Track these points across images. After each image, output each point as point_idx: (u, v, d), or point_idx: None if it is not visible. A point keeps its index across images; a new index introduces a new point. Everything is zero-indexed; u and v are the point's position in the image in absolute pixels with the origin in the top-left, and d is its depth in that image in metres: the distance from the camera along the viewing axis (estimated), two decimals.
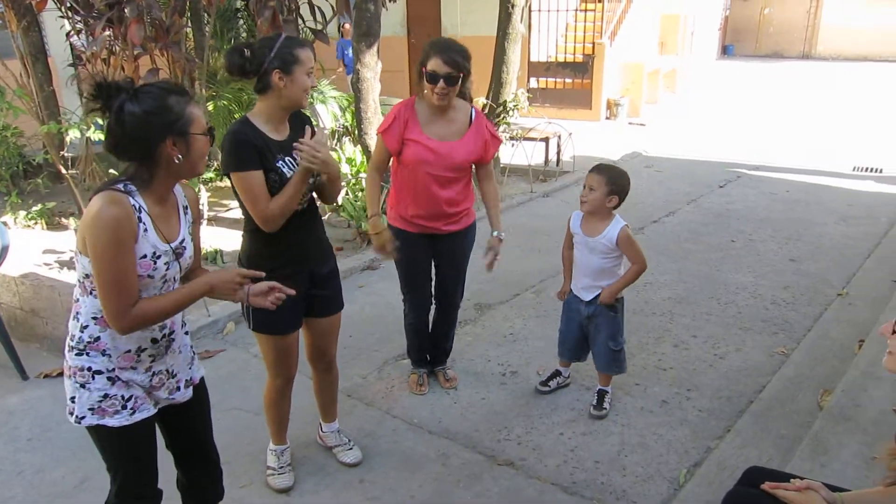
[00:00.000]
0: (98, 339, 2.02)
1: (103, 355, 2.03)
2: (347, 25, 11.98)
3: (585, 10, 13.04)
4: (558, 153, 9.11)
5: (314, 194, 2.81)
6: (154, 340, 2.09)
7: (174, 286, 2.10)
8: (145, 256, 1.96)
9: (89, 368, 2.03)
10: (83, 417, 2.05)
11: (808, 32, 25.91)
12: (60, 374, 3.77)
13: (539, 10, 12.64)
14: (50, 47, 7.80)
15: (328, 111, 8.04)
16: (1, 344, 4.04)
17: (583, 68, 12.68)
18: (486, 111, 7.85)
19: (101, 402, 2.04)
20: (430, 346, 3.86)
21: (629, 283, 3.35)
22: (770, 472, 2.28)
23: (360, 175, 6.43)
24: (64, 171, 6.30)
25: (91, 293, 1.99)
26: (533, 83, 12.91)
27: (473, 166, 3.46)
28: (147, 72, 5.89)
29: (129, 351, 2.05)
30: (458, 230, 3.50)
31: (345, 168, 6.54)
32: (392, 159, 3.39)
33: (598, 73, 12.56)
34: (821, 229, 6.45)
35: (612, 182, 3.22)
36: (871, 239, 6.15)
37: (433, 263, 3.62)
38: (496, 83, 7.94)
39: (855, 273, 5.36)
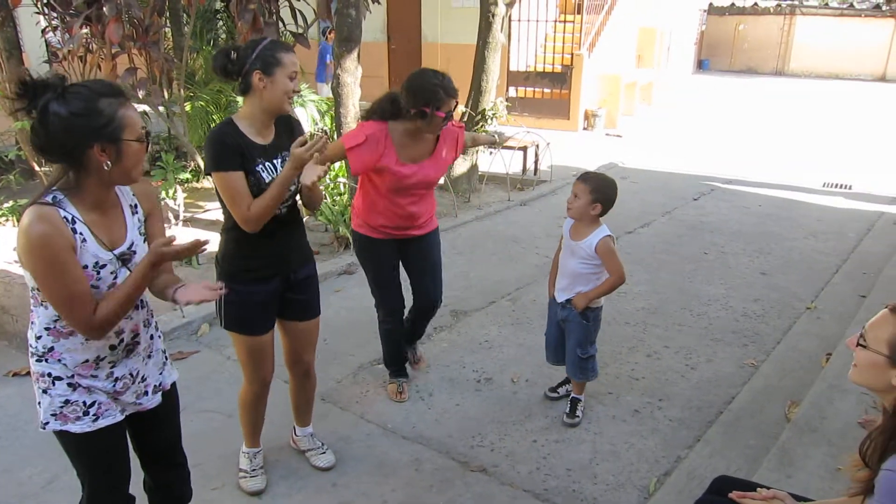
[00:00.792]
0: (52, 349, 1.98)
1: (60, 362, 1.99)
2: (332, 33, 12.01)
3: (564, 22, 13.14)
4: (536, 162, 9.18)
5: (297, 199, 2.82)
6: (112, 347, 2.04)
7: None
8: (86, 267, 1.88)
9: (49, 374, 1.99)
10: (47, 423, 2.02)
11: (782, 49, 26.36)
12: (28, 373, 3.72)
13: (519, 20, 12.73)
14: (24, 43, 7.71)
15: (307, 115, 8.02)
16: None
17: (561, 79, 12.79)
18: (465, 119, 7.90)
19: (62, 407, 2.00)
20: (406, 353, 3.89)
21: (604, 293, 3.38)
22: (738, 481, 2.32)
23: (339, 179, 6.43)
24: (37, 167, 6.23)
25: (42, 304, 1.94)
26: (512, 92, 12.98)
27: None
28: (125, 71, 5.85)
29: (87, 361, 2.01)
30: (424, 233, 3.58)
31: None
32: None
33: (577, 83, 12.68)
34: (791, 244, 6.57)
35: (597, 191, 3.28)
36: (840, 254, 6.28)
37: (406, 269, 3.66)
38: (476, 91, 7.99)
39: (823, 287, 5.47)
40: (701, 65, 26.57)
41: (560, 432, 3.52)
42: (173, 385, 2.31)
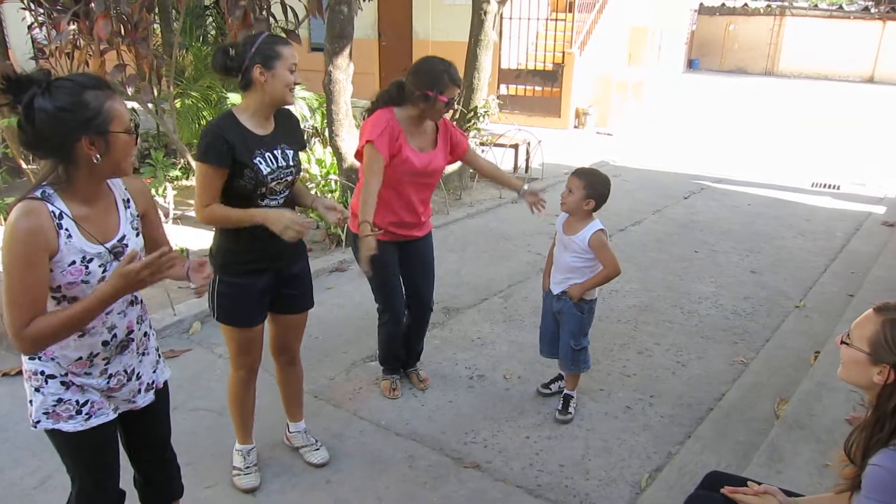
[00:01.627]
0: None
1: (53, 361, 1.98)
2: None
3: (556, 20, 13.16)
4: (527, 160, 9.19)
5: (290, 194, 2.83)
6: (105, 343, 2.02)
7: None
8: (74, 263, 1.86)
9: (42, 373, 1.98)
10: (39, 421, 2.01)
11: (771, 50, 26.54)
12: (20, 373, 3.69)
13: (510, 18, 12.74)
14: (10, 40, 7.65)
15: (297, 111, 8.01)
16: None
17: (552, 77, 12.82)
18: (457, 116, 7.90)
19: (55, 406, 1.99)
20: (402, 351, 3.89)
21: (598, 284, 3.42)
22: (730, 476, 2.34)
23: (331, 177, 6.42)
24: (24, 165, 6.18)
25: None
26: (503, 90, 13.01)
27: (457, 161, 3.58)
28: (114, 67, 5.82)
29: (81, 358, 2.00)
30: (424, 235, 3.60)
31: (314, 170, 6.52)
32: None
33: (568, 81, 12.71)
34: (780, 243, 6.62)
35: (590, 186, 3.32)
36: (828, 253, 6.33)
37: (403, 272, 3.65)
38: (467, 89, 7.99)
39: (812, 286, 5.52)
40: (691, 64, 26.71)
41: (553, 429, 3.54)
42: (165, 383, 2.32)
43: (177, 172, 7.10)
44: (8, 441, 3.36)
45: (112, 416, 2.09)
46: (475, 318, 4.83)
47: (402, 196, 3.37)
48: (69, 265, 1.86)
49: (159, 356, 2.30)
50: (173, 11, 7.47)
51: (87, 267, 1.89)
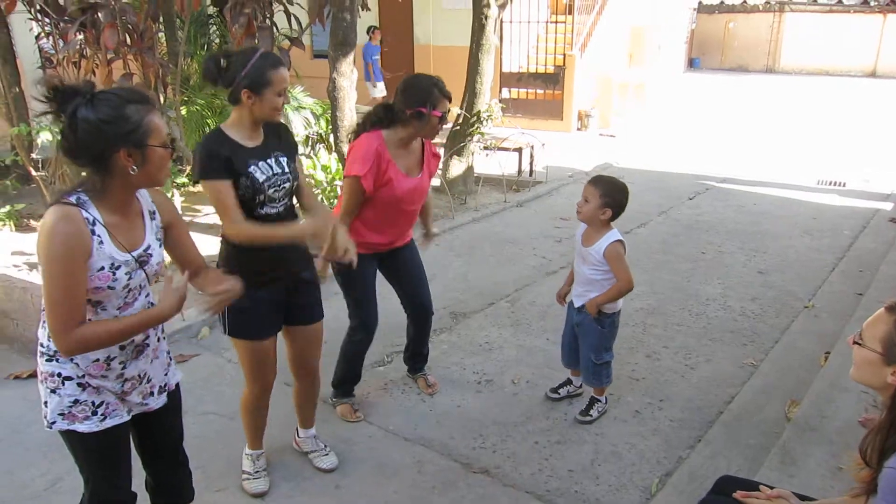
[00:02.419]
0: None
1: (72, 362, 2.01)
2: (378, 32, 12.03)
3: (556, 23, 13.16)
4: (531, 163, 9.19)
5: (293, 199, 2.83)
6: (122, 347, 2.06)
7: (140, 295, 2.08)
8: (103, 269, 1.92)
9: (59, 374, 2.02)
10: (54, 422, 2.05)
11: (772, 47, 26.48)
12: (31, 376, 3.72)
13: (510, 22, 12.74)
14: (18, 49, 7.69)
15: (300, 118, 8.02)
16: None
17: (554, 79, 12.82)
18: (461, 121, 7.91)
19: (71, 407, 2.02)
20: (408, 356, 3.89)
21: (611, 299, 3.36)
22: (742, 481, 2.33)
23: (336, 182, 6.43)
24: (34, 172, 6.22)
25: None
26: (505, 93, 13.00)
27: None
28: (120, 76, 5.84)
29: (98, 360, 2.03)
30: (405, 243, 3.57)
31: (320, 175, 6.53)
32: None
33: (569, 84, 12.70)
34: (787, 242, 6.60)
35: (607, 195, 3.25)
36: (836, 252, 6.31)
37: (395, 281, 3.64)
38: (470, 93, 8.00)
39: (820, 286, 5.49)
40: (692, 63, 26.67)
41: (562, 433, 3.54)
42: (177, 385, 2.34)
43: (184, 179, 7.11)
44: (20, 443, 3.39)
45: (126, 417, 2.13)
46: (482, 322, 4.83)
47: (393, 221, 3.36)
48: (98, 270, 1.92)
49: (170, 359, 2.33)
50: (178, 20, 7.50)
51: (114, 273, 1.95)
